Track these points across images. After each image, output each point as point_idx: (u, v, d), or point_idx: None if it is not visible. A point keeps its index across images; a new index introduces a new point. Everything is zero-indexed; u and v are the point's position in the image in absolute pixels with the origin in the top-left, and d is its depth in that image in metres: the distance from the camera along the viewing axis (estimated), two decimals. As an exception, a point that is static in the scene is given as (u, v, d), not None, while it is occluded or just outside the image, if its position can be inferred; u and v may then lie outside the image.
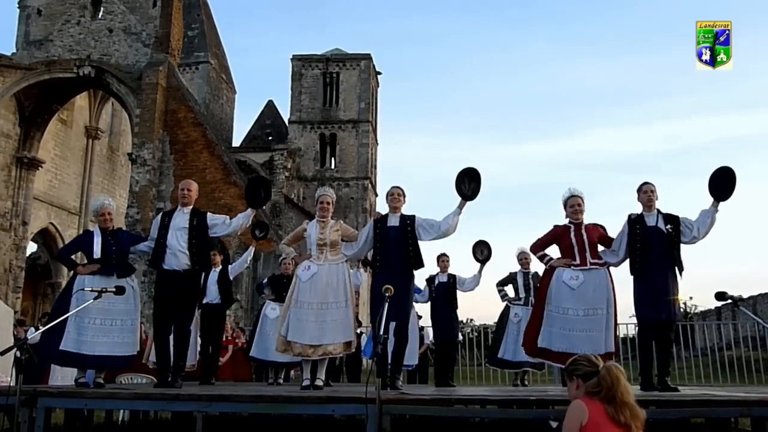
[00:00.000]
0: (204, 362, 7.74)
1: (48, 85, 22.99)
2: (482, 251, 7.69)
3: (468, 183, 5.45)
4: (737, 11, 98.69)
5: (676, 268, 5.44)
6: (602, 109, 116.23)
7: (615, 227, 5.89)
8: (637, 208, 5.69)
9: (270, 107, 43.13)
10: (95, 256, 5.59)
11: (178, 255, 5.67)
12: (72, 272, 5.79)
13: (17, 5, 23.70)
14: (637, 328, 6.06)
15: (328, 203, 5.83)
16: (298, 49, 53.46)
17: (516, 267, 8.41)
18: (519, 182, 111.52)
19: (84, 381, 5.65)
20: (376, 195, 40.79)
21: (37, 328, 11.23)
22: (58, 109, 24.84)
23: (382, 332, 4.23)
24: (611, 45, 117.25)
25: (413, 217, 5.72)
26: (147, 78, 21.62)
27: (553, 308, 5.56)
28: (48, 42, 23.11)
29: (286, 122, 40.16)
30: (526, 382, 8.73)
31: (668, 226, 5.44)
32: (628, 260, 5.60)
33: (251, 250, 8.43)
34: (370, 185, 39.26)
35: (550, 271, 5.73)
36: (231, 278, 8.14)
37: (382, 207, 41.87)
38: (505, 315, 8.46)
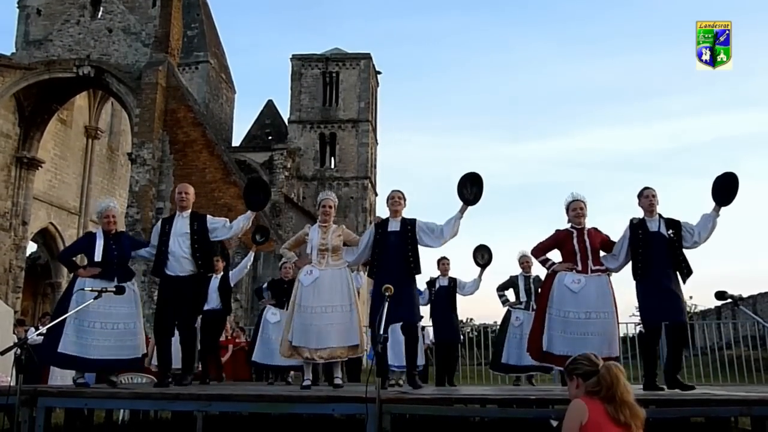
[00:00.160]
0: (203, 365, 7.73)
1: (47, 84, 22.99)
2: (483, 256, 7.70)
3: (470, 187, 5.45)
4: (737, 11, 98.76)
5: (683, 272, 5.43)
6: (602, 109, 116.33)
7: (613, 226, 5.91)
8: (636, 211, 5.69)
9: (270, 107, 43.14)
10: (96, 260, 5.59)
11: (181, 261, 5.68)
12: (72, 274, 5.79)
13: (17, 5, 23.69)
14: (639, 330, 6.05)
15: (330, 207, 5.82)
16: (297, 49, 53.56)
17: (516, 271, 8.41)
18: (519, 182, 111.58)
19: (83, 381, 5.65)
20: (376, 195, 40.80)
21: (37, 328, 11.22)
22: (57, 108, 24.83)
23: (381, 332, 4.23)
24: (611, 44, 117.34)
25: (414, 221, 5.71)
26: (146, 78, 21.61)
27: (554, 312, 5.55)
28: (47, 42, 23.10)
29: (286, 122, 40.17)
30: (534, 383, 8.69)
31: (670, 231, 5.44)
32: (629, 265, 5.59)
33: (251, 255, 8.37)
34: (369, 185, 39.26)
35: (551, 275, 5.72)
36: (232, 285, 8.12)
37: (381, 206, 41.85)
38: (506, 319, 8.44)
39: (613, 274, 5.72)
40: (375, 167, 41.37)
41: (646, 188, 5.64)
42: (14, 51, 23.28)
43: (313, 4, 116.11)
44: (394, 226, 5.72)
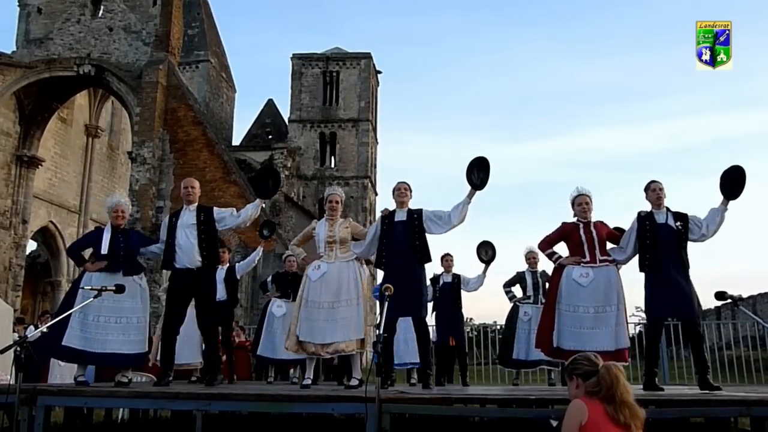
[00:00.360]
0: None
1: (48, 83, 22.99)
2: (486, 252, 7.70)
3: (477, 172, 5.44)
4: (737, 11, 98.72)
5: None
6: (602, 108, 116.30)
7: (614, 225, 5.89)
8: (638, 208, 5.70)
9: (270, 106, 43.13)
10: (103, 252, 5.62)
11: (188, 253, 5.69)
12: (81, 270, 5.83)
13: (17, 3, 23.70)
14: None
15: (337, 202, 5.84)
16: (298, 48, 53.62)
17: (521, 267, 8.40)
18: (519, 182, 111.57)
19: (83, 379, 5.65)
20: (376, 194, 40.80)
21: (36, 327, 11.24)
22: (58, 107, 24.83)
23: (382, 331, 4.23)
24: (611, 44, 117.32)
25: (420, 210, 5.69)
26: (147, 76, 21.62)
27: (563, 306, 5.55)
28: (48, 40, 23.10)
29: (286, 121, 40.15)
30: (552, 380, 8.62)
31: (678, 223, 5.45)
32: (636, 257, 5.58)
33: (259, 250, 8.31)
34: (369, 184, 39.26)
35: (559, 269, 5.72)
36: (238, 277, 8.12)
37: (381, 206, 41.86)
38: (514, 315, 8.41)
39: (621, 267, 5.71)
40: (375, 167, 41.37)
41: (653, 182, 5.65)
42: (15, 49, 23.29)
43: (314, 4, 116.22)
44: (400, 216, 5.71)
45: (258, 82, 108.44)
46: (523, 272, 8.34)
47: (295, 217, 32.33)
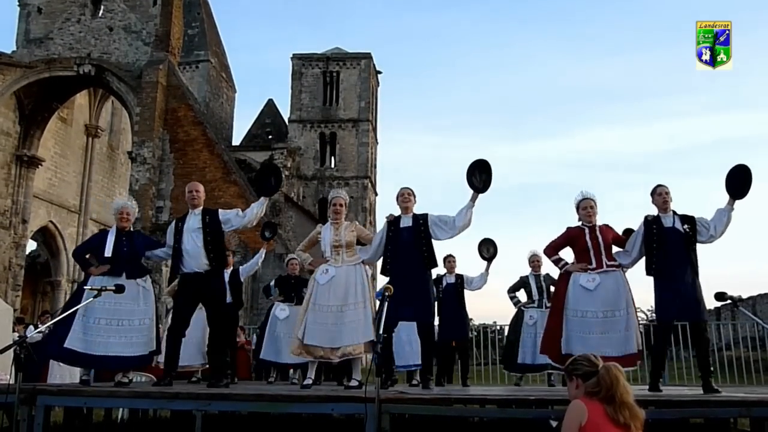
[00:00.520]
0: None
1: (48, 83, 22.99)
2: (488, 249, 7.69)
3: (479, 175, 5.41)
4: (737, 11, 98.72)
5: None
6: (602, 108, 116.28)
7: (614, 226, 5.88)
8: (642, 211, 5.68)
9: (270, 106, 43.11)
10: (106, 254, 5.63)
11: (195, 257, 5.69)
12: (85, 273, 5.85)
13: (17, 3, 23.70)
14: (653, 327, 6.02)
15: (341, 205, 5.82)
16: (298, 48, 53.64)
17: (524, 271, 8.38)
18: (519, 182, 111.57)
19: (87, 378, 5.67)
20: (376, 194, 40.81)
21: (36, 326, 11.24)
22: (58, 107, 24.84)
23: (381, 332, 4.23)
24: (611, 44, 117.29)
25: (426, 215, 5.68)
26: (147, 76, 21.62)
27: (571, 312, 5.53)
28: (48, 40, 23.11)
29: (286, 121, 40.13)
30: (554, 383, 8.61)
31: (686, 226, 5.44)
32: (643, 261, 5.58)
33: (262, 252, 8.30)
34: (369, 184, 39.25)
35: (565, 275, 5.71)
36: (242, 279, 8.12)
37: (381, 206, 41.96)
38: (519, 319, 8.37)
39: (627, 271, 5.70)
40: (375, 167, 41.36)
41: (659, 185, 5.63)
42: (15, 49, 23.29)
43: (314, 4, 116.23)
44: (406, 222, 5.70)
45: (258, 82, 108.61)
46: (527, 276, 8.33)
47: (295, 217, 32.31)
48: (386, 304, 4.47)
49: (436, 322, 8.07)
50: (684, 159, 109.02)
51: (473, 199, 5.48)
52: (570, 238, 5.75)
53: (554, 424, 3.98)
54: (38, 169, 24.70)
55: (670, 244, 5.39)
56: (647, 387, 5.50)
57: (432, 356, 5.90)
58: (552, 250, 5.84)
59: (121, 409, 7.27)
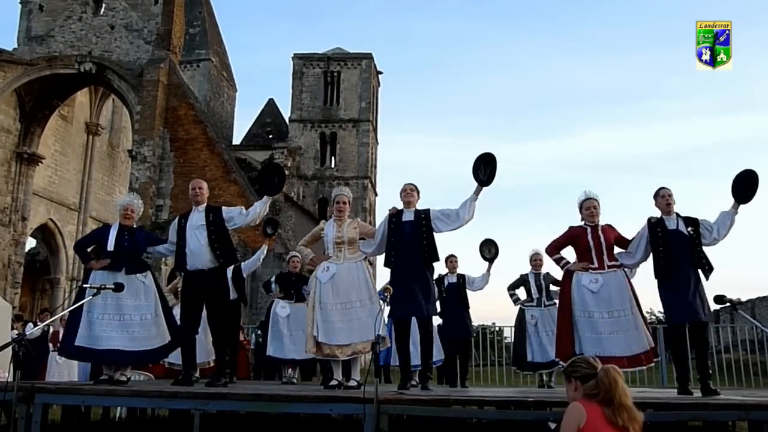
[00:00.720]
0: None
1: (49, 80, 23.00)
2: (489, 249, 7.69)
3: (484, 168, 5.40)
4: (737, 11, 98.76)
5: (704, 269, 5.40)
6: (602, 108, 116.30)
7: (613, 225, 5.87)
8: (646, 213, 5.68)
9: (270, 105, 43.13)
10: (108, 249, 5.64)
11: (199, 254, 5.68)
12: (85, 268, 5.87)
13: (19, 1, 23.72)
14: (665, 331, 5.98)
15: (345, 203, 5.83)
16: (299, 48, 53.71)
17: (525, 269, 8.38)
18: (519, 182, 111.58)
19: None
20: (376, 194, 40.82)
21: (35, 324, 11.24)
22: (58, 105, 24.84)
23: (380, 332, 4.23)
24: (611, 44, 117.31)
25: (428, 210, 5.67)
26: (148, 75, 21.64)
27: (578, 312, 5.53)
28: (49, 38, 23.12)
29: (287, 121, 40.15)
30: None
31: (689, 228, 5.44)
32: (651, 264, 5.55)
33: (264, 248, 8.30)
34: (369, 184, 39.27)
35: (568, 275, 5.70)
36: (244, 276, 8.12)
37: (381, 206, 41.91)
38: (521, 319, 8.36)
39: (630, 271, 5.71)
40: (375, 167, 41.37)
41: (662, 188, 5.63)
42: (16, 46, 23.31)
43: (315, 4, 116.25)
44: (408, 216, 5.68)
45: (259, 81, 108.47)
46: (527, 275, 8.33)
47: (295, 216, 32.31)
48: (386, 304, 4.46)
49: (439, 321, 8.09)
50: (684, 160, 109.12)
51: (477, 192, 5.47)
52: (572, 237, 5.75)
53: (553, 426, 3.98)
54: (38, 166, 24.71)
55: (675, 247, 5.39)
56: (676, 390, 5.47)
57: (431, 354, 5.88)
58: (554, 249, 5.84)
59: (119, 408, 7.26)
